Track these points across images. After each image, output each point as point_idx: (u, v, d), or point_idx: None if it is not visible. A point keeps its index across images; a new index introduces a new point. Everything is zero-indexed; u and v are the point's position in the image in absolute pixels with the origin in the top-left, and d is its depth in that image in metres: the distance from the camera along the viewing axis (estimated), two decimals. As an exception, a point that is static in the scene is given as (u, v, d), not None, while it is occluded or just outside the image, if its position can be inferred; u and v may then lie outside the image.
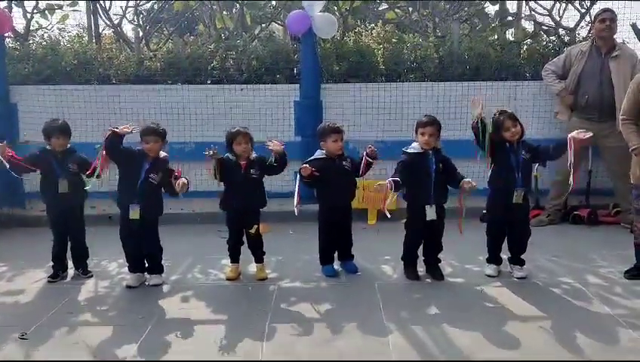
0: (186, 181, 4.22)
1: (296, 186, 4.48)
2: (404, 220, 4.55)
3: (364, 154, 4.46)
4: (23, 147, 6.48)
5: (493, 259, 4.55)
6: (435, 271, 4.46)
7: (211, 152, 4.21)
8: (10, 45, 7.25)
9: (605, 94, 5.83)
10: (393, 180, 4.20)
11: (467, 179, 4.29)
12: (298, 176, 4.45)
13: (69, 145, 4.52)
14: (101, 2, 7.81)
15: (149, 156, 4.28)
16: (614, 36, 5.97)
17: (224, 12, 8.06)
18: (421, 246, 4.53)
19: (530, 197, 4.65)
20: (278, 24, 8.45)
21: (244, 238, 4.56)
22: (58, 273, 4.55)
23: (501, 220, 4.45)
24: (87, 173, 4.38)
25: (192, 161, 5.66)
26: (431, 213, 4.34)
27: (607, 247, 5.22)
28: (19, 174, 4.44)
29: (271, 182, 5.10)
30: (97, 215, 5.97)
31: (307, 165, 4.36)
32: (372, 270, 4.69)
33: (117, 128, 4.15)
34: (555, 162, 5.78)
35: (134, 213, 4.26)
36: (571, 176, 4.36)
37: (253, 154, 4.45)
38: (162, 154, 4.38)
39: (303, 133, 6.61)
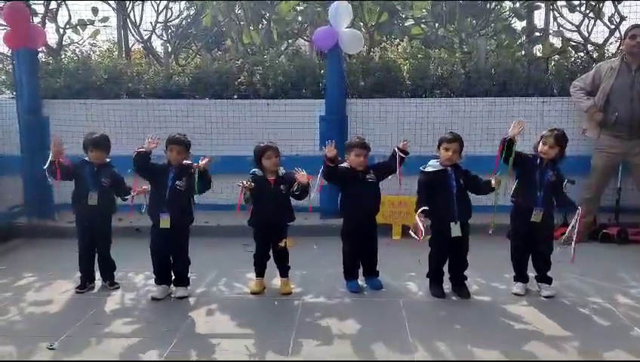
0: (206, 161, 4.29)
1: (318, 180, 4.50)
2: (429, 237, 4.52)
3: (396, 148, 4.46)
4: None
5: (520, 276, 4.49)
6: (461, 289, 4.42)
7: (247, 184, 4.26)
8: (42, 60, 7.43)
9: (636, 111, 5.74)
10: (422, 211, 4.23)
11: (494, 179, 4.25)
12: (320, 171, 4.46)
13: (107, 160, 4.62)
14: (131, 18, 7.98)
15: (173, 165, 4.36)
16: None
17: (251, 28, 8.15)
18: (447, 264, 4.49)
19: (557, 215, 4.57)
20: (305, 39, 8.52)
21: (271, 252, 4.58)
22: (85, 284, 4.61)
23: (524, 237, 4.41)
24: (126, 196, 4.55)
25: (218, 174, 5.69)
26: (456, 229, 4.30)
27: (637, 267, 5.11)
28: (55, 177, 4.47)
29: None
30: (124, 227, 6.03)
31: (333, 148, 4.32)
32: (397, 286, 4.65)
33: (143, 147, 4.24)
34: (584, 179, 5.71)
35: (164, 222, 4.31)
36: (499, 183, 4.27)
37: (282, 170, 4.48)
38: (185, 161, 4.43)
39: (328, 148, 6.62)
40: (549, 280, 4.43)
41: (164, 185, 4.33)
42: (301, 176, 4.38)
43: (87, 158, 4.57)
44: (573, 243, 4.36)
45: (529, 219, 4.31)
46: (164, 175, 4.35)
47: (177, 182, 4.33)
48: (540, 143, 4.34)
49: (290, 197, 4.51)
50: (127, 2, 7.96)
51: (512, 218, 4.51)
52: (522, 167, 4.35)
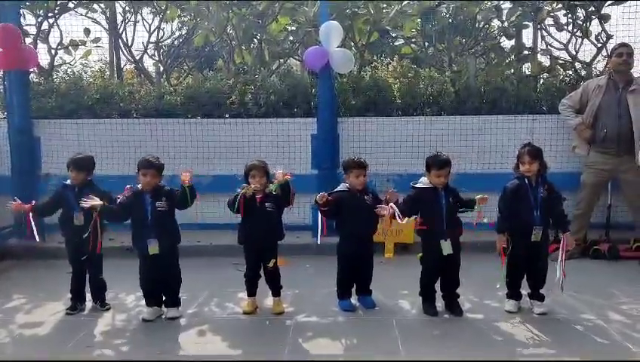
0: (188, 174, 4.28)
1: (319, 218, 4.50)
2: (419, 255, 4.52)
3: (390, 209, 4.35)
4: (44, 180, 6.64)
5: (513, 294, 4.49)
6: (453, 307, 4.41)
7: (247, 190, 4.26)
8: (34, 80, 7.44)
9: (623, 128, 5.80)
10: (401, 211, 4.24)
11: (479, 196, 4.34)
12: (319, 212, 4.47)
13: (89, 179, 4.59)
14: (123, 38, 8.02)
15: (146, 189, 4.29)
16: (631, 70, 5.98)
17: (243, 47, 8.21)
18: (439, 282, 4.49)
19: (549, 232, 4.58)
20: (296, 59, 8.58)
21: (262, 272, 4.56)
22: (76, 305, 4.57)
23: (521, 257, 4.40)
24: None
25: (209, 193, 5.70)
26: (447, 247, 4.31)
27: (628, 283, 5.13)
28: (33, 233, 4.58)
29: (288, 215, 5.08)
30: (115, 247, 5.99)
31: (325, 193, 4.39)
32: (390, 305, 4.64)
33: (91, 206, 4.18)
34: (575, 196, 5.74)
35: (153, 248, 4.27)
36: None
37: (271, 187, 4.45)
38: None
39: (320, 166, 6.65)
40: (541, 297, 4.43)
41: (143, 211, 4.26)
42: (278, 174, 4.36)
43: (67, 182, 4.55)
44: (561, 275, 4.38)
45: (526, 240, 4.32)
46: (138, 202, 4.28)
47: (158, 204, 4.27)
48: (520, 165, 4.37)
49: (282, 206, 4.49)
50: (119, 23, 8.01)
51: (511, 238, 4.45)
52: (516, 192, 4.39)
